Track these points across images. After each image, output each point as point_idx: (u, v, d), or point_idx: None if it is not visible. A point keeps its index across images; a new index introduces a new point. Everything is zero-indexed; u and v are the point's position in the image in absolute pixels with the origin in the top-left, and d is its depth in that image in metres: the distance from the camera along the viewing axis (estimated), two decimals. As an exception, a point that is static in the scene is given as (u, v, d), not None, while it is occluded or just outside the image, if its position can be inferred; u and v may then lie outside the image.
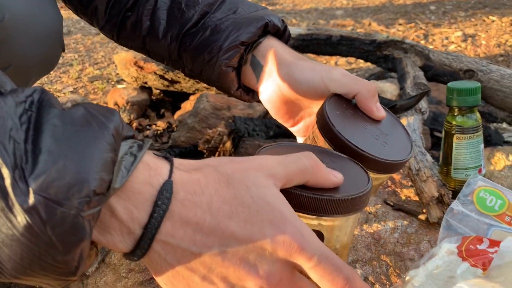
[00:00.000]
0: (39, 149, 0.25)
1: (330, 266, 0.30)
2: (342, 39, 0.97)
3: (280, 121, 0.54)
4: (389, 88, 1.18)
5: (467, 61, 0.85)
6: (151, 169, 0.30)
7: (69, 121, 0.27)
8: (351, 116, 0.47)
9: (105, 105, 0.34)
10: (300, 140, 0.55)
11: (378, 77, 1.43)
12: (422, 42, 2.08)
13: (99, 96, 1.63)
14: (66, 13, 2.65)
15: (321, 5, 3.04)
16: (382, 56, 0.94)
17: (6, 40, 0.48)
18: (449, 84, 0.58)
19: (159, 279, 0.32)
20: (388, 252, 0.51)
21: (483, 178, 0.55)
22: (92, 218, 0.26)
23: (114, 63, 1.91)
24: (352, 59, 1.89)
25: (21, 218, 0.24)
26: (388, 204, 0.60)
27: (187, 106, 1.22)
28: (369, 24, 2.44)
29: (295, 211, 0.32)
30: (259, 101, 0.56)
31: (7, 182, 0.24)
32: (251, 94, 0.57)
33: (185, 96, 1.28)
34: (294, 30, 1.04)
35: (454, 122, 0.57)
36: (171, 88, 1.28)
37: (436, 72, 0.86)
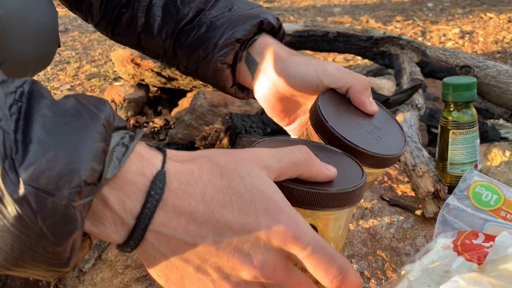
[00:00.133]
0: (29, 139, 0.25)
1: (325, 255, 0.30)
2: (339, 35, 0.97)
3: (276, 119, 0.54)
4: (386, 85, 1.18)
5: (463, 57, 0.85)
6: (144, 159, 0.29)
7: (59, 111, 0.27)
8: (345, 111, 0.47)
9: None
10: None
11: (375, 74, 1.43)
12: (420, 39, 2.08)
13: (96, 94, 1.62)
14: (63, 11, 2.64)
15: (319, 2, 3.04)
16: (379, 53, 0.94)
17: (1, 36, 0.47)
18: (445, 79, 0.58)
19: (152, 271, 0.31)
20: (384, 247, 0.51)
21: (479, 173, 0.55)
22: (84, 208, 0.26)
23: (111, 60, 1.91)
24: (349, 56, 1.89)
25: (11, 209, 0.24)
26: (384, 199, 0.60)
27: (184, 103, 1.22)
28: (367, 21, 2.43)
29: None
30: (254, 99, 0.56)
31: None
32: (246, 92, 0.57)
33: (182, 93, 1.27)
34: (291, 27, 1.04)
35: (450, 118, 0.57)
36: (168, 85, 1.28)
37: (433, 68, 0.86)
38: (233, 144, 0.88)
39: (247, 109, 1.02)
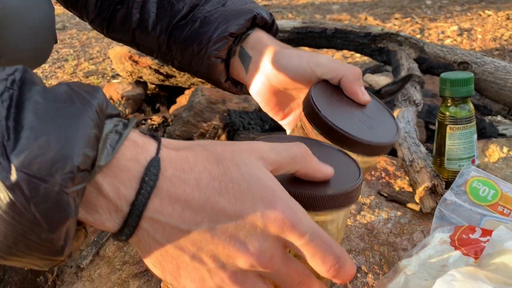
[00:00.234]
0: (21, 126, 0.25)
1: (322, 244, 0.30)
2: (337, 32, 0.97)
3: (270, 113, 0.55)
4: (384, 81, 1.18)
5: (461, 53, 0.85)
6: (138, 146, 0.29)
7: (51, 98, 0.27)
8: (337, 101, 0.47)
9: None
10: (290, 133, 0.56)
11: (373, 71, 1.44)
12: (418, 36, 2.08)
13: (95, 91, 1.62)
14: (61, 8, 2.63)
15: (317, 0, 3.04)
16: (376, 49, 0.94)
17: None
18: (442, 74, 0.58)
19: (147, 261, 0.31)
20: (381, 242, 0.51)
21: (476, 169, 0.55)
22: (77, 195, 0.26)
23: (109, 58, 1.91)
24: (348, 53, 1.89)
25: (3, 195, 0.24)
26: (381, 195, 0.60)
27: (182, 100, 1.22)
28: (365, 19, 2.43)
29: None
30: (247, 93, 0.56)
31: None
32: (240, 87, 0.57)
33: (180, 90, 1.27)
34: (289, 23, 1.04)
35: (447, 113, 0.57)
36: (166, 83, 1.27)
37: (431, 64, 0.86)
38: (231, 141, 0.88)
39: (245, 106, 1.02)
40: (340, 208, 0.35)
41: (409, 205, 0.57)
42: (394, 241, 0.52)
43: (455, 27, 2.16)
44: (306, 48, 1.14)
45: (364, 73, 1.38)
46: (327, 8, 2.79)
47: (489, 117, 1.06)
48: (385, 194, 0.60)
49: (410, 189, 0.60)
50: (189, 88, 1.26)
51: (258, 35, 0.53)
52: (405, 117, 0.66)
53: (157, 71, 1.24)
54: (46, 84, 0.28)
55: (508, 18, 2.26)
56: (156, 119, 1.22)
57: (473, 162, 0.59)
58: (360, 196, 0.60)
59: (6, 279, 0.51)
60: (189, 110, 1.00)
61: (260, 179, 0.30)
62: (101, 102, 0.28)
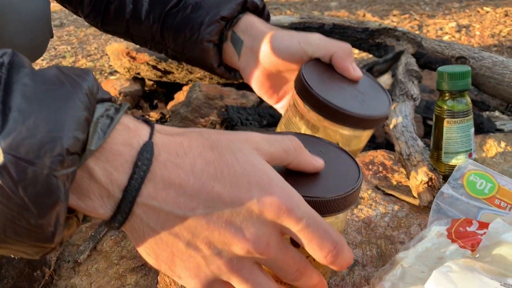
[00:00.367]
0: (9, 108, 0.24)
1: (319, 229, 0.30)
2: (335, 27, 0.97)
3: (265, 97, 0.55)
4: (382, 77, 1.18)
5: (459, 48, 0.85)
6: (131, 130, 0.29)
7: (40, 80, 0.26)
8: (329, 78, 0.47)
9: None
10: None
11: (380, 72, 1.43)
12: (417, 33, 2.08)
13: (92, 88, 1.61)
14: (59, 5, 2.62)
15: (316, -4, 3.03)
16: (374, 44, 0.94)
17: None
18: (440, 68, 0.58)
19: (141, 249, 0.31)
20: (379, 235, 0.51)
21: (473, 162, 0.55)
22: (67, 179, 0.26)
23: (107, 55, 1.90)
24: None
25: None
26: (379, 189, 0.60)
27: (180, 96, 1.22)
28: (364, 16, 2.43)
29: None
30: (241, 79, 0.56)
31: None
32: (233, 73, 0.57)
33: (178, 86, 1.27)
34: (287, 19, 1.04)
35: (444, 106, 0.57)
36: (164, 79, 1.27)
37: (429, 60, 0.86)
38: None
39: (243, 102, 1.02)
40: (339, 212, 0.35)
41: (407, 198, 0.57)
42: (391, 234, 0.52)
43: (454, 24, 2.16)
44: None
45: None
46: (325, 5, 2.78)
47: (487, 112, 1.06)
48: (382, 188, 0.60)
49: (408, 183, 0.60)
50: (186, 84, 1.26)
51: (249, 19, 0.53)
52: (403, 111, 0.66)
53: (154, 67, 1.24)
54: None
55: (506, 15, 2.26)
56: (154, 115, 1.22)
57: (470, 156, 0.59)
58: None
59: (2, 273, 0.51)
60: (186, 106, 1.00)
61: (256, 165, 0.30)
62: (92, 85, 0.27)
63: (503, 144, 0.69)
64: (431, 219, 0.51)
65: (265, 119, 0.95)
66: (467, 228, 0.45)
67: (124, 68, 1.30)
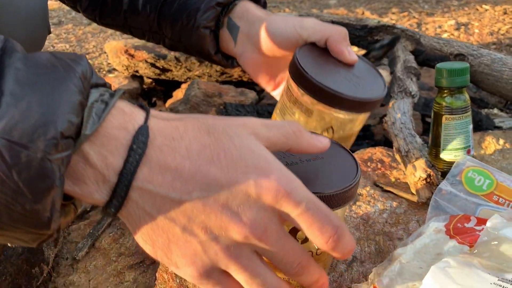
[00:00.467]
0: (1, 92, 0.24)
1: (319, 213, 0.29)
2: (333, 24, 0.97)
3: (262, 84, 0.55)
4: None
5: (457, 45, 0.85)
6: (126, 114, 0.28)
7: (33, 64, 0.26)
8: (323, 62, 0.47)
9: None
10: None
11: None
12: (416, 30, 2.08)
13: (91, 86, 1.61)
14: (57, 3, 2.62)
15: (315, -6, 3.03)
16: (373, 41, 0.93)
17: None
18: (438, 65, 0.58)
19: (138, 237, 0.30)
20: (377, 232, 0.51)
21: (471, 159, 0.55)
22: (62, 163, 0.25)
23: (105, 53, 1.90)
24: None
25: None
26: (377, 186, 0.60)
27: (178, 94, 1.22)
28: (362, 13, 2.43)
29: None
30: (239, 67, 0.57)
31: None
32: (230, 61, 0.57)
33: (176, 84, 1.27)
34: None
35: (443, 103, 0.57)
36: (163, 77, 1.27)
37: (427, 57, 0.86)
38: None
39: (241, 99, 1.02)
40: (337, 207, 0.35)
41: (405, 195, 0.57)
42: (389, 230, 0.52)
43: (452, 22, 2.15)
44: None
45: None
46: (324, 3, 2.78)
47: (486, 110, 1.06)
48: (380, 185, 0.60)
49: (406, 180, 0.60)
50: (185, 82, 1.25)
51: (245, 5, 0.53)
52: (401, 108, 0.66)
53: (153, 65, 1.24)
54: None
55: (505, 13, 2.26)
56: (153, 113, 1.22)
57: (468, 152, 0.59)
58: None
59: (1, 270, 0.51)
60: (185, 104, 1.00)
61: (253, 149, 0.29)
62: (86, 70, 0.27)
63: (501, 141, 0.70)
64: (429, 215, 0.51)
65: (264, 116, 0.94)
66: (465, 224, 0.45)
67: (123, 66, 1.30)
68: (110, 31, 2.21)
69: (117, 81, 1.32)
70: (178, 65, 1.20)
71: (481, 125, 0.89)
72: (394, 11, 2.43)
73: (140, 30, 0.60)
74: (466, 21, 2.17)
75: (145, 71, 1.27)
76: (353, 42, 0.99)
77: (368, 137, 0.87)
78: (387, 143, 0.75)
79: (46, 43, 0.61)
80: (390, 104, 0.68)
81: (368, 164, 0.64)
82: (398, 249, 0.44)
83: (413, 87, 0.72)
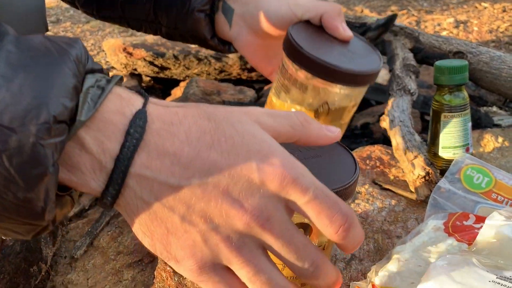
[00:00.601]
0: None
1: (328, 200, 0.27)
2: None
3: (258, 69, 0.55)
4: (380, 73, 1.18)
5: (456, 43, 0.85)
6: (123, 99, 0.27)
7: (25, 47, 0.25)
8: (318, 38, 0.47)
9: None
10: None
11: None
12: (415, 28, 2.08)
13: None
14: (55, 1, 2.61)
15: (314, -8, 3.03)
16: (372, 39, 0.93)
17: None
18: (437, 62, 0.58)
19: (136, 228, 0.29)
20: (376, 230, 0.51)
21: (470, 156, 0.55)
22: (55, 149, 0.24)
23: (103, 51, 1.89)
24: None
25: None
26: (376, 184, 0.60)
27: (177, 92, 1.21)
28: (362, 11, 2.43)
29: None
30: (235, 52, 0.57)
31: None
32: (227, 47, 0.58)
33: (175, 82, 1.27)
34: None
35: (442, 101, 0.57)
36: (161, 75, 1.27)
37: (426, 54, 0.85)
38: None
39: (240, 97, 1.02)
40: None
41: (404, 193, 0.57)
42: (388, 229, 0.52)
43: (451, 19, 2.15)
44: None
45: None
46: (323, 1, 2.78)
47: (485, 107, 1.06)
48: (379, 183, 0.60)
49: (405, 178, 0.60)
50: (183, 80, 1.25)
51: None
52: (400, 106, 0.66)
53: (151, 63, 1.23)
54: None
55: (504, 11, 2.25)
56: (151, 112, 1.21)
57: (467, 150, 0.58)
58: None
59: (-2, 269, 0.50)
60: (183, 102, 1.00)
61: (256, 136, 0.27)
62: (80, 53, 0.26)
63: (500, 139, 0.69)
64: (428, 213, 0.50)
65: (263, 114, 0.94)
66: (464, 222, 0.45)
67: (121, 64, 1.30)
68: (108, 29, 2.21)
69: (115, 79, 1.32)
70: (177, 63, 1.20)
71: (480, 123, 0.89)
72: (393, 9, 2.43)
73: (137, 21, 0.61)
74: (465, 19, 2.17)
75: (144, 69, 1.27)
76: (352, 40, 0.99)
77: (367, 135, 0.87)
78: (386, 141, 0.75)
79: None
80: (389, 102, 0.68)
81: (367, 162, 0.64)
82: (396, 247, 0.43)
83: (412, 85, 0.72)
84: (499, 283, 0.32)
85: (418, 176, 0.55)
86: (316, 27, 0.48)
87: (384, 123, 0.65)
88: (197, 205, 0.26)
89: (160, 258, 0.40)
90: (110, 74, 1.40)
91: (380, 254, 0.48)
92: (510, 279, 0.33)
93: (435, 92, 0.59)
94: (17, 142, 0.23)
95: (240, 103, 0.96)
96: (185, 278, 0.47)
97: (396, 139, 0.62)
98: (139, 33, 1.97)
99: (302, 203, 0.27)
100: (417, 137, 0.61)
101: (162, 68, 1.24)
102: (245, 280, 0.28)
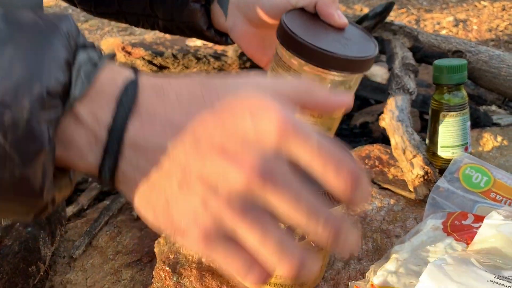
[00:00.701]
0: None
1: (333, 150, 0.24)
2: None
3: (255, 59, 0.55)
4: (380, 72, 1.18)
5: (455, 42, 0.84)
6: (115, 71, 0.27)
7: (14, 22, 0.24)
8: (312, 25, 0.46)
9: None
10: None
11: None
12: (414, 27, 2.08)
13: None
14: (54, 0, 2.61)
15: (313, -9, 3.02)
16: (369, 29, 0.93)
17: None
18: (436, 62, 0.58)
19: (138, 204, 0.28)
20: (375, 229, 0.51)
21: (469, 156, 0.55)
22: (50, 124, 0.24)
23: (102, 49, 1.89)
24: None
25: None
26: (375, 183, 0.60)
27: (176, 91, 1.22)
28: (361, 10, 2.42)
29: None
30: (232, 43, 0.57)
31: None
32: (224, 38, 0.58)
33: (174, 81, 1.27)
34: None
35: (440, 100, 0.57)
36: (160, 74, 1.27)
37: (425, 53, 0.85)
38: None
39: (239, 97, 1.02)
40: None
41: (403, 192, 0.57)
42: (387, 228, 0.52)
43: (451, 18, 2.15)
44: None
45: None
46: (322, 0, 2.78)
47: (484, 106, 1.06)
48: (378, 182, 0.60)
49: (404, 177, 0.60)
50: (183, 79, 1.25)
51: None
52: (399, 105, 0.66)
53: (150, 62, 1.23)
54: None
55: (503, 9, 2.25)
56: (150, 111, 1.21)
57: (466, 149, 0.58)
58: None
59: (-3, 268, 0.50)
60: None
61: (253, 94, 0.26)
62: (71, 28, 0.26)
63: (499, 138, 0.69)
64: (427, 212, 0.50)
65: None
66: (463, 222, 0.45)
67: (120, 63, 1.30)
68: (107, 28, 2.21)
69: (114, 78, 1.32)
70: (176, 62, 1.20)
71: (479, 122, 0.89)
72: (393, 8, 2.43)
73: (134, 16, 0.61)
74: (464, 17, 2.17)
75: (142, 68, 1.27)
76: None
77: (366, 134, 0.87)
78: (385, 140, 0.75)
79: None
80: (388, 101, 0.68)
81: (366, 161, 0.64)
82: (395, 246, 0.44)
83: (411, 84, 0.72)
84: (497, 283, 0.32)
85: (417, 176, 0.55)
86: (311, 15, 0.48)
87: (383, 122, 0.65)
88: (194, 167, 0.25)
89: (167, 235, 0.38)
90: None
91: (379, 253, 0.48)
92: (508, 278, 0.33)
93: (434, 91, 0.59)
94: (11, 118, 0.23)
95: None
96: (183, 277, 0.47)
97: (395, 138, 0.62)
98: (137, 32, 1.97)
99: (306, 155, 0.24)
100: (416, 137, 0.61)
101: (161, 67, 1.24)
102: (256, 244, 0.25)
